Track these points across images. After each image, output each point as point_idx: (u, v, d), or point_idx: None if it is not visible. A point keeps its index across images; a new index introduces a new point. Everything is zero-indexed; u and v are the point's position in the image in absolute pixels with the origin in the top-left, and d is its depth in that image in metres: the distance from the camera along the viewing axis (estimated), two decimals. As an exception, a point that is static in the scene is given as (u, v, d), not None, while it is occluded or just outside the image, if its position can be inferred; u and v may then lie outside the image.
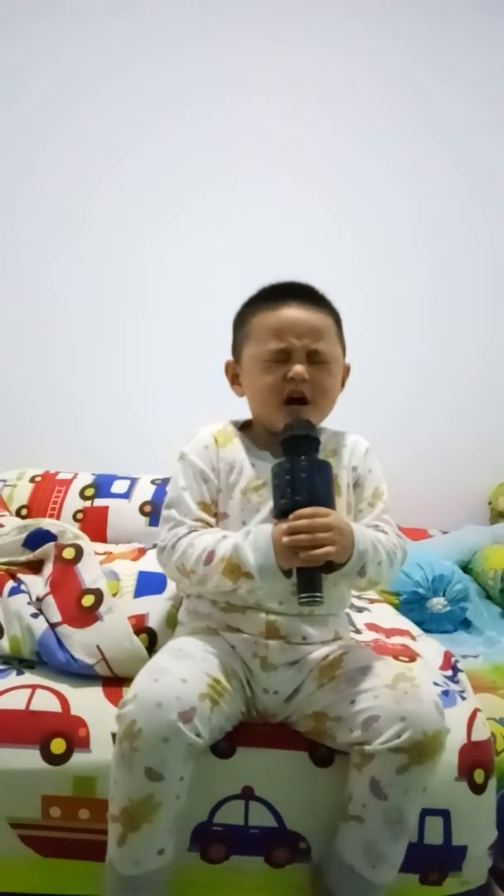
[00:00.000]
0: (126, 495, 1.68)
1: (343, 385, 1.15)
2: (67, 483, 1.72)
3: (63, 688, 1.06)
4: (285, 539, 0.95)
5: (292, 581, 0.96)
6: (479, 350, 2.60)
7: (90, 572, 1.18)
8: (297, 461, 0.99)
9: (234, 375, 1.14)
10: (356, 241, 2.51)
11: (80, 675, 1.09)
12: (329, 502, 0.98)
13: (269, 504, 1.02)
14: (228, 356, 1.16)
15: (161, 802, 0.88)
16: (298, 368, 1.05)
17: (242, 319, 1.12)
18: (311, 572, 0.95)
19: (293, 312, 1.07)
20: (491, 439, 2.61)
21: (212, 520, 1.07)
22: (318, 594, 0.94)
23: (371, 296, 2.51)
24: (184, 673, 0.92)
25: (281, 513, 0.98)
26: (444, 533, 2.46)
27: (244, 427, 1.15)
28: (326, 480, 0.99)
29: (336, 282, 1.14)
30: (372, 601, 1.56)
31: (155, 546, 1.35)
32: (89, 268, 2.41)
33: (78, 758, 0.98)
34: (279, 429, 1.04)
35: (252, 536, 0.99)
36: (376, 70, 2.49)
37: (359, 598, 1.54)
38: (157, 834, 0.89)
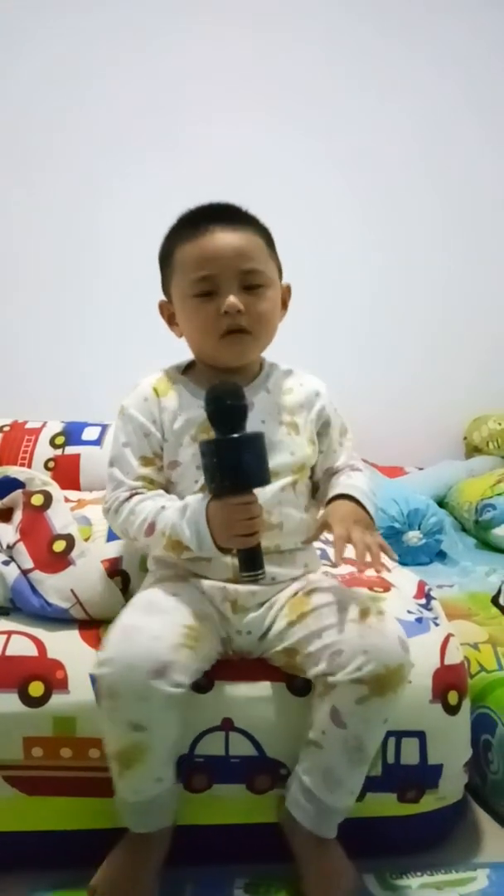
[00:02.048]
0: (97, 442, 1.65)
1: (285, 307, 1.09)
2: (37, 432, 1.69)
3: (39, 632, 1.06)
4: (234, 526, 0.94)
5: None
6: (451, 285, 2.58)
7: (60, 518, 1.17)
8: (223, 440, 0.94)
9: (169, 315, 1.08)
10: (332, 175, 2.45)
11: (56, 619, 1.09)
12: (261, 477, 0.95)
13: None
14: None
15: (149, 747, 0.90)
16: (231, 300, 0.99)
17: (166, 253, 1.06)
18: (251, 552, 0.95)
19: (216, 237, 1.01)
20: (465, 375, 2.61)
21: (156, 475, 1.05)
22: (259, 571, 0.95)
23: (343, 235, 2.48)
24: (155, 629, 0.91)
25: (214, 496, 0.96)
26: (420, 469, 2.48)
27: (188, 369, 1.11)
28: (256, 454, 0.95)
29: (313, 223, 1.11)
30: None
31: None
32: (48, 211, 2.34)
33: (57, 699, 0.99)
34: (222, 364, 1.03)
35: (188, 514, 0.97)
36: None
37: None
38: (151, 769, 0.92)
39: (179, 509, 0.99)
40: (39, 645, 1.04)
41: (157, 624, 0.92)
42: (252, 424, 0.98)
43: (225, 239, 1.01)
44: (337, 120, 2.44)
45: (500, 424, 2.54)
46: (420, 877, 1.00)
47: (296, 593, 1.03)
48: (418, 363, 2.59)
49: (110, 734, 0.92)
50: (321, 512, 1.07)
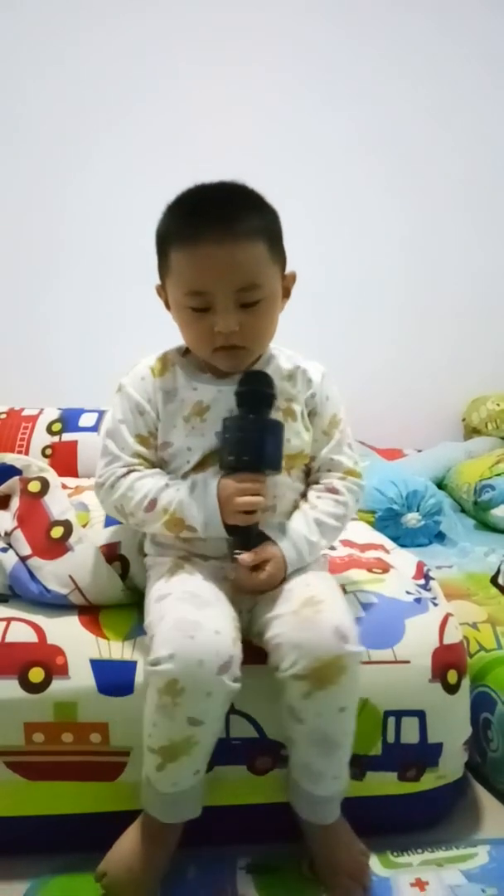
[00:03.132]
0: (94, 428, 1.65)
1: (288, 295, 1.05)
2: (33, 419, 1.69)
3: (38, 619, 1.06)
4: (239, 500, 0.95)
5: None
6: (450, 267, 2.57)
7: (58, 504, 1.16)
8: (249, 419, 0.97)
9: (165, 300, 1.04)
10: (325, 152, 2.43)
11: (55, 605, 1.09)
12: (277, 464, 0.98)
13: (214, 429, 1.00)
14: None
15: (200, 741, 0.90)
16: (227, 323, 0.95)
17: (161, 244, 1.00)
18: (246, 531, 0.98)
19: (212, 250, 0.93)
20: (463, 357, 2.61)
21: (149, 453, 1.04)
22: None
23: (339, 213, 2.46)
24: (215, 623, 0.90)
25: (228, 468, 0.97)
26: (419, 451, 2.48)
27: (189, 351, 1.08)
28: (277, 441, 0.98)
29: (305, 197, 1.08)
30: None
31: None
32: (22, 188, 2.32)
33: (57, 685, 0.99)
34: (217, 365, 1.01)
35: (198, 492, 0.97)
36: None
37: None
38: (194, 761, 0.92)
39: (187, 486, 0.99)
40: (39, 631, 1.04)
41: (213, 617, 0.91)
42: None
43: (221, 254, 0.93)
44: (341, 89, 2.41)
45: (498, 405, 2.54)
46: (421, 854, 1.01)
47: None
48: (416, 346, 2.59)
49: (162, 728, 0.89)
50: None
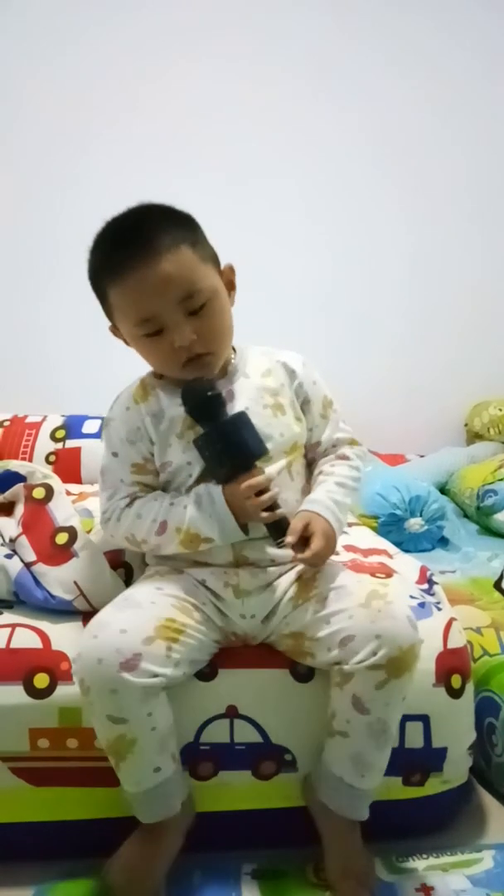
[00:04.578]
0: (98, 434, 1.66)
1: (233, 287, 1.05)
2: (37, 426, 1.70)
3: (43, 625, 1.06)
4: (256, 501, 0.96)
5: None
6: (450, 274, 2.57)
7: (62, 510, 1.17)
8: (215, 429, 0.98)
9: (123, 338, 1.05)
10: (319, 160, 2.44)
11: (60, 611, 1.09)
12: (260, 449, 0.99)
13: None
14: None
15: (135, 738, 0.91)
16: (182, 336, 0.97)
17: (97, 288, 1.02)
18: (279, 521, 0.98)
19: (141, 275, 0.94)
20: (465, 362, 2.61)
21: (149, 479, 1.06)
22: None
23: (337, 224, 2.47)
24: (123, 623, 0.91)
25: (225, 480, 0.99)
26: (422, 456, 2.48)
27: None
28: (249, 430, 0.99)
29: (304, 206, 1.08)
30: (350, 525, 1.57)
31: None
32: (17, 192, 2.33)
33: (62, 690, 0.99)
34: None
35: (206, 504, 0.98)
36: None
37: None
38: (144, 759, 0.92)
39: (193, 502, 0.99)
40: (44, 637, 1.04)
41: (126, 617, 0.93)
42: (237, 410, 1.01)
43: (150, 275, 0.94)
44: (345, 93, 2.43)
45: (500, 410, 2.54)
46: (426, 859, 1.01)
47: (300, 577, 1.03)
48: (418, 351, 2.59)
49: (96, 728, 0.94)
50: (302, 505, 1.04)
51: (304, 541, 0.98)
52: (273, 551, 1.02)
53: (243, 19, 2.35)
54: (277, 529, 0.98)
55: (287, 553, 1.00)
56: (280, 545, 0.98)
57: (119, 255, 0.96)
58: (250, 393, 1.06)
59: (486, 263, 2.60)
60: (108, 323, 1.05)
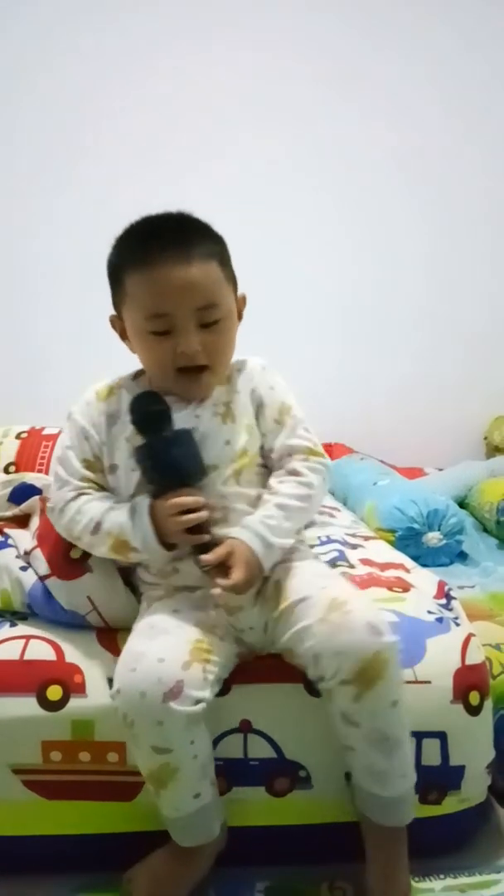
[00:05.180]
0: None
1: (240, 318, 1.07)
2: (54, 438, 1.71)
3: (57, 637, 1.06)
4: (177, 520, 0.95)
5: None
6: (469, 284, 2.56)
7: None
8: (152, 442, 0.98)
9: (121, 329, 1.06)
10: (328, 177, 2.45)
11: (74, 625, 1.09)
12: (196, 470, 0.99)
13: None
14: None
15: (178, 767, 0.90)
16: (189, 343, 0.97)
17: (116, 272, 1.02)
18: (204, 546, 0.97)
19: (169, 272, 0.96)
20: (484, 375, 2.59)
21: (97, 477, 1.06)
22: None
23: (357, 232, 2.47)
24: (159, 652, 0.90)
25: (155, 496, 0.98)
26: (440, 470, 2.46)
27: (140, 374, 1.10)
28: (188, 450, 0.98)
29: (316, 220, 1.08)
30: (367, 538, 1.56)
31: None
32: (66, 223, 2.36)
33: (75, 703, 0.99)
34: (179, 392, 1.02)
35: (136, 514, 0.99)
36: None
37: (353, 535, 1.54)
38: (185, 786, 0.92)
39: (128, 510, 1.00)
40: (57, 649, 1.04)
41: (160, 645, 0.91)
42: (186, 419, 1.01)
43: (180, 274, 0.96)
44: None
45: (520, 424, 2.52)
46: (443, 880, 0.99)
47: (266, 581, 1.02)
48: (437, 364, 2.58)
49: (138, 758, 0.93)
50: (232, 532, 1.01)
51: (227, 568, 0.96)
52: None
53: (268, 28, 2.37)
54: (201, 552, 0.97)
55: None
56: (202, 569, 0.96)
57: (152, 247, 0.97)
58: (204, 402, 1.05)
59: (504, 276, 2.59)
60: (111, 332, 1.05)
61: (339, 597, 0.95)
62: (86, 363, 2.34)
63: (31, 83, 2.31)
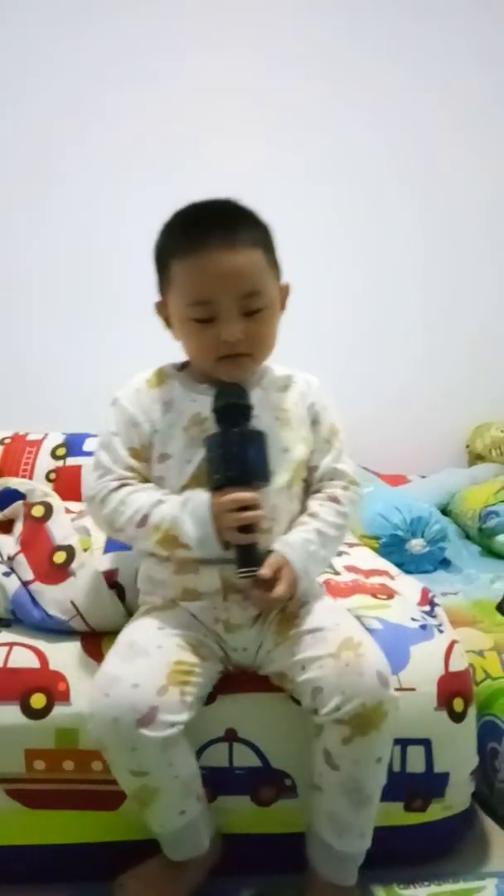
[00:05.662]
0: (99, 453, 1.66)
1: (283, 307, 1.05)
2: (38, 444, 1.69)
3: (40, 644, 1.06)
4: (233, 516, 0.93)
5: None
6: (456, 295, 2.59)
7: (61, 529, 1.16)
8: (229, 434, 0.96)
9: (166, 317, 1.04)
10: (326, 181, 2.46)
11: (58, 630, 1.08)
12: (263, 473, 0.96)
13: None
14: None
15: (158, 787, 0.89)
16: (232, 331, 0.96)
17: (161, 258, 1.01)
18: (249, 547, 0.95)
19: (215, 259, 0.95)
20: (467, 384, 2.61)
21: (142, 467, 1.02)
22: (254, 569, 0.94)
23: (343, 238, 2.48)
24: (134, 677, 0.88)
25: (216, 487, 0.96)
26: (423, 477, 2.47)
27: (184, 367, 1.08)
28: (261, 451, 0.97)
29: (307, 224, 1.07)
30: (351, 545, 1.56)
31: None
32: (48, 226, 2.35)
33: (59, 711, 0.98)
34: (220, 376, 1.01)
35: (190, 507, 0.96)
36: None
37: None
38: (168, 805, 0.91)
39: (180, 502, 0.97)
40: (41, 656, 1.03)
41: (136, 670, 0.89)
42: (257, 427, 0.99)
43: (224, 262, 0.95)
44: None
45: (502, 432, 2.54)
46: (427, 887, 0.99)
47: (282, 609, 1.00)
48: (420, 372, 2.60)
49: (118, 779, 0.92)
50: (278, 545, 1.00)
51: (270, 582, 0.95)
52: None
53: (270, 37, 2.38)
54: (245, 554, 0.95)
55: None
56: (242, 573, 0.94)
57: (198, 233, 0.96)
58: (263, 404, 1.03)
59: (492, 286, 2.61)
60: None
61: (355, 637, 0.94)
62: (72, 368, 2.36)
63: (22, 85, 2.31)
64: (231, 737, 1.00)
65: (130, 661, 0.91)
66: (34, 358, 2.35)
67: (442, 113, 2.50)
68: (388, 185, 2.50)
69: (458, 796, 1.06)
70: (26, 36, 2.31)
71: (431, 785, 1.03)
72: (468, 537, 2.15)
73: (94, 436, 1.71)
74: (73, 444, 1.69)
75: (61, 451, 1.68)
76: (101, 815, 0.99)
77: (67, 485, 1.61)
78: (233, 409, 0.97)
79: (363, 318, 2.53)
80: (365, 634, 0.97)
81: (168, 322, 1.04)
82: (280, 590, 0.94)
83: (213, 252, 0.95)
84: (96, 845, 1.00)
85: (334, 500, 1.05)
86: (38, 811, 0.99)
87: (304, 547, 0.99)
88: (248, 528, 0.94)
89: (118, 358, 2.27)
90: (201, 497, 0.96)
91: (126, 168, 2.34)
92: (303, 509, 1.05)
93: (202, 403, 1.01)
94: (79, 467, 1.64)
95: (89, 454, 1.67)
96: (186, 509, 0.96)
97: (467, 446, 2.68)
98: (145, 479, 1.03)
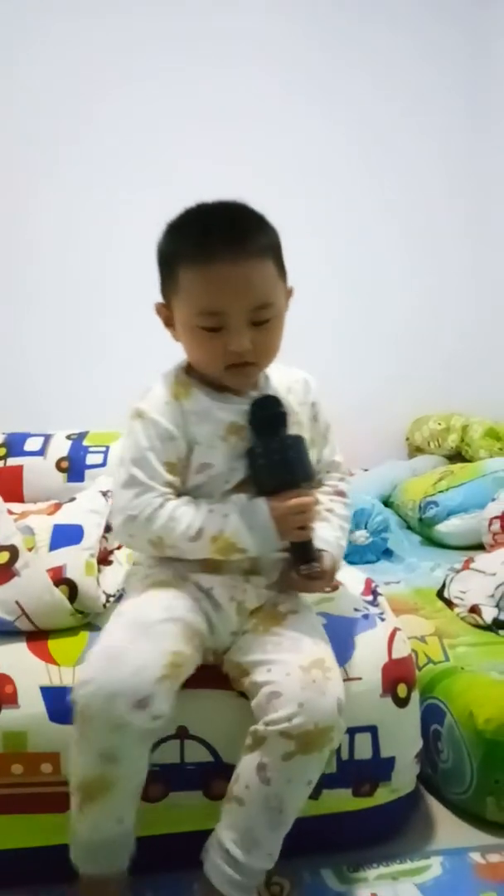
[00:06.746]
0: (41, 452, 1.63)
1: (287, 308, 1.05)
2: (-16, 446, 1.66)
3: (-15, 647, 1.04)
4: (296, 518, 0.97)
5: None
6: (391, 289, 2.63)
7: (3, 529, 1.14)
8: (273, 442, 1.00)
9: (167, 318, 1.03)
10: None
11: (2, 632, 1.06)
12: (308, 474, 1.02)
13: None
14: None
15: (116, 780, 0.88)
16: (240, 342, 0.95)
17: (168, 262, 0.99)
18: (307, 545, 1.01)
19: (225, 270, 0.93)
20: (404, 379, 2.67)
21: (177, 481, 1.00)
22: (316, 562, 1.01)
23: (300, 235, 2.49)
24: (140, 658, 0.88)
25: (268, 492, 0.99)
26: (366, 470, 2.52)
27: (188, 371, 1.05)
28: (304, 454, 1.01)
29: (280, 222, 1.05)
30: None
31: (73, 499, 1.33)
32: (50, 230, 2.30)
33: (6, 714, 0.97)
34: (224, 384, 1.01)
35: (248, 515, 0.97)
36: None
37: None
38: (114, 805, 0.90)
39: (236, 511, 0.97)
40: (-14, 660, 1.02)
41: (143, 650, 0.89)
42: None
43: (235, 273, 0.93)
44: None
45: (439, 425, 2.60)
46: (376, 868, 1.02)
47: (276, 605, 1.02)
48: (359, 367, 2.63)
49: (77, 763, 0.89)
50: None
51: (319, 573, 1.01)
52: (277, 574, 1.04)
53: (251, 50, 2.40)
54: (303, 551, 1.01)
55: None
56: (302, 569, 1.00)
57: (208, 242, 0.94)
58: None
59: (423, 282, 2.67)
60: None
61: (327, 661, 0.94)
62: (62, 372, 2.30)
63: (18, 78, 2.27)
64: (183, 734, 1.00)
65: (137, 640, 0.91)
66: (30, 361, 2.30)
67: (422, 130, 2.58)
68: (364, 196, 2.56)
69: (404, 779, 1.09)
70: (19, 32, 2.27)
71: (379, 770, 1.05)
72: (409, 527, 2.21)
73: (36, 435, 1.70)
74: (13, 444, 1.67)
75: (1, 452, 1.65)
76: (51, 818, 0.98)
77: (8, 485, 1.58)
78: (275, 418, 1.01)
79: (297, 313, 2.55)
80: (336, 665, 0.96)
81: (168, 322, 1.03)
82: (332, 583, 1.10)
83: (225, 263, 0.93)
84: (45, 849, 0.98)
85: (341, 494, 1.12)
86: (-14, 817, 0.98)
87: (337, 543, 1.07)
88: (304, 527, 0.99)
89: (61, 353, 2.26)
90: (257, 503, 0.98)
91: (121, 170, 2.32)
92: None
93: (232, 412, 1.01)
94: (20, 468, 1.62)
95: (31, 454, 1.65)
96: (244, 518, 0.97)
97: (407, 439, 2.74)
98: (179, 494, 1.01)
